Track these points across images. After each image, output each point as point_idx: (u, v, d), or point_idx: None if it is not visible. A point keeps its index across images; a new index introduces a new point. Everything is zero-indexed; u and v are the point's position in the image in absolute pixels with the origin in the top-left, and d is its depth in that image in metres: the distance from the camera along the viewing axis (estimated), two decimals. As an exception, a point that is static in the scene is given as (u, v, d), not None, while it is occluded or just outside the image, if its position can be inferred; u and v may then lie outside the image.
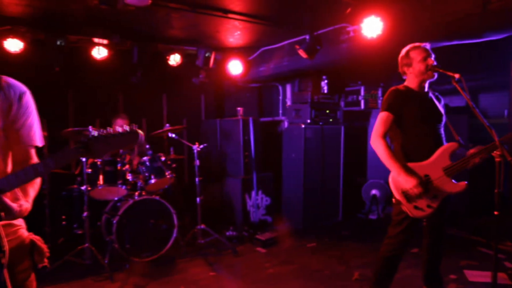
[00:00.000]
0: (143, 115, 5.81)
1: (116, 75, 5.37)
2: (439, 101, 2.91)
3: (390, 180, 2.67)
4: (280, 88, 6.79)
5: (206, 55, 5.54)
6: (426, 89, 2.81)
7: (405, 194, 2.60)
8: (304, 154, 5.16)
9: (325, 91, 5.59)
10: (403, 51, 2.82)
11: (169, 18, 4.33)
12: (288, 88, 6.72)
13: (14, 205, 1.33)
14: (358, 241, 4.71)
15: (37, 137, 1.55)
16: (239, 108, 5.32)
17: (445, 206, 2.73)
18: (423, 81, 2.76)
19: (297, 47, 4.63)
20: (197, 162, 4.50)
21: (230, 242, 4.57)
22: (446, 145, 2.70)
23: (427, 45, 2.79)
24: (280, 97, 6.84)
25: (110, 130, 1.39)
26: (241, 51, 5.91)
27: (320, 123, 5.36)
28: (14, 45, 4.28)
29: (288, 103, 6.56)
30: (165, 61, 5.47)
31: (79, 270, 3.80)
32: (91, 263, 3.87)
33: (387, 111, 2.69)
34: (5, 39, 4.22)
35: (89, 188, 3.94)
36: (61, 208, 4.36)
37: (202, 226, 4.47)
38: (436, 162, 2.65)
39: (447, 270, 3.57)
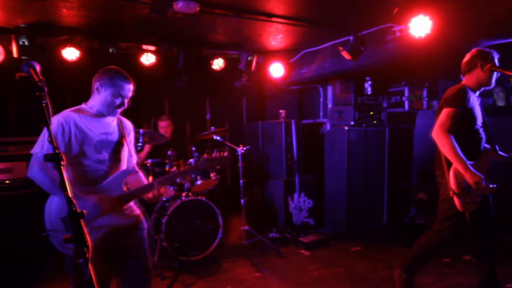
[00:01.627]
0: (187, 118, 5.99)
1: (162, 80, 5.57)
2: None
3: (451, 173, 2.77)
4: (321, 90, 6.75)
5: (248, 58, 5.61)
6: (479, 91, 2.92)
7: (464, 188, 2.75)
8: (347, 156, 5.10)
9: (369, 92, 5.49)
10: (468, 54, 2.92)
11: (214, 23, 4.44)
12: (329, 90, 6.66)
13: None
14: (405, 246, 4.55)
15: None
16: (281, 111, 5.35)
17: (488, 208, 2.92)
18: (483, 84, 2.86)
19: (341, 48, 4.60)
20: (241, 164, 4.58)
21: (273, 244, 4.61)
22: (489, 150, 2.92)
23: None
24: (321, 99, 6.80)
25: (216, 154, 2.36)
26: (283, 54, 5.94)
27: (364, 125, 5.28)
28: (71, 53, 4.57)
29: (329, 105, 6.50)
30: (209, 65, 5.62)
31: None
32: (142, 261, 4.04)
33: (456, 107, 2.75)
34: (63, 48, 4.51)
35: (139, 189, 4.12)
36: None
37: (246, 227, 4.54)
38: (481, 163, 2.85)
39: (503, 278, 3.40)
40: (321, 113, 6.80)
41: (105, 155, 2.16)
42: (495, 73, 2.82)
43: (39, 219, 4.23)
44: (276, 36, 5.09)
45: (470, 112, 2.79)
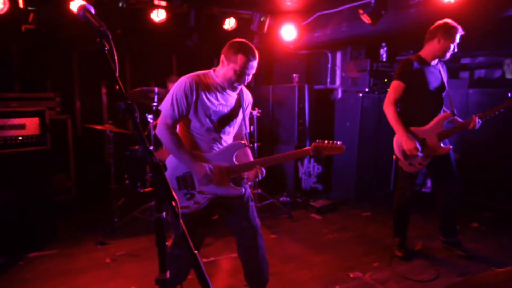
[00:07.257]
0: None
1: (171, 38, 5.38)
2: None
3: (394, 140, 3.19)
4: (329, 55, 6.61)
5: (261, 19, 5.42)
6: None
7: (403, 152, 3.13)
8: (360, 123, 5.07)
9: (384, 59, 5.39)
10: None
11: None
12: (338, 55, 6.52)
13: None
14: (414, 212, 4.64)
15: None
16: (294, 75, 5.25)
17: (445, 161, 3.24)
18: (437, 56, 3.15)
19: (361, 11, 4.45)
20: (256, 128, 4.53)
21: (285, 207, 4.65)
22: (441, 114, 3.18)
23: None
24: (329, 65, 6.67)
25: (330, 142, 2.25)
26: (295, 16, 5.74)
27: (376, 92, 5.23)
28: (77, 6, 4.31)
29: (338, 70, 6.39)
30: (220, 25, 5.40)
31: (147, 225, 4.00)
32: (157, 221, 4.06)
33: (399, 79, 3.16)
34: (71, 0, 4.25)
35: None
36: (124, 168, 4.53)
37: (259, 190, 4.56)
38: (432, 128, 3.14)
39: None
40: (328, 79, 6.69)
41: (218, 125, 2.21)
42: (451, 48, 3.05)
43: (51, 177, 4.17)
44: (292, -5, 4.89)
45: (416, 81, 3.10)
